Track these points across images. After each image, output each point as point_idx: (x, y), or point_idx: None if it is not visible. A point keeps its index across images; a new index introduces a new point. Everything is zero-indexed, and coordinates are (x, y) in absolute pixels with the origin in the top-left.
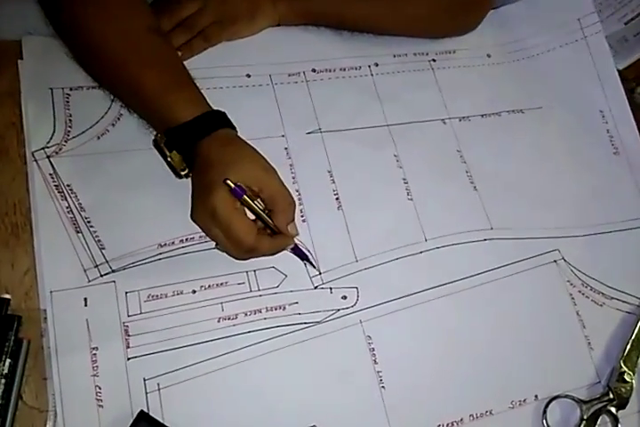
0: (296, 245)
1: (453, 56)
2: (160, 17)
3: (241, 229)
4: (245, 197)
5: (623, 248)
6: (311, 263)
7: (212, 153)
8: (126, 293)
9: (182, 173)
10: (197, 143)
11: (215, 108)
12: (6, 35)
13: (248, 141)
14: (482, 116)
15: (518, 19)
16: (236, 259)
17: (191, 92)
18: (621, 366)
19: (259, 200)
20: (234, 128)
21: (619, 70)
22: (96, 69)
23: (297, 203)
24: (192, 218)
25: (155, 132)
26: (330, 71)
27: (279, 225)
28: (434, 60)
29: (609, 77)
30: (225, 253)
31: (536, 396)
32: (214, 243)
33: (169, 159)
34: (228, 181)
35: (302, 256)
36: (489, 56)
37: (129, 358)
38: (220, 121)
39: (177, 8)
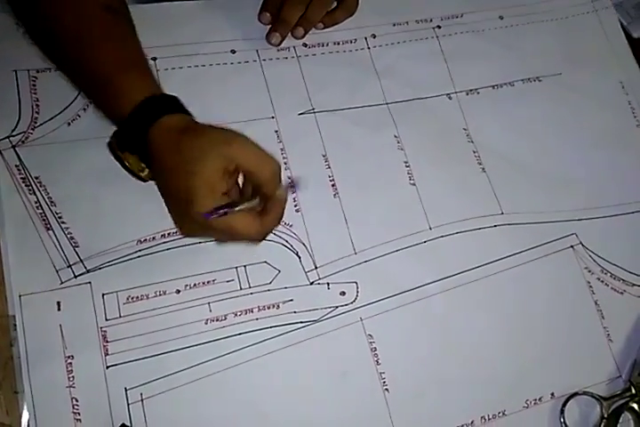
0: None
1: (460, 20)
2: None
3: (245, 227)
4: (237, 208)
5: None
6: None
7: (168, 150)
8: (103, 295)
9: (142, 175)
10: (149, 138)
11: (197, 88)
12: None
13: (235, 125)
14: (492, 87)
15: None
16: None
17: (139, 78)
18: None
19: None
20: (189, 114)
21: (635, 39)
22: (47, 47)
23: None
24: (183, 234)
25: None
26: (322, 45)
27: (270, 196)
28: (438, 27)
29: (623, 52)
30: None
31: (552, 394)
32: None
33: (125, 163)
34: (213, 216)
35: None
36: (501, 18)
37: (108, 367)
38: (169, 106)
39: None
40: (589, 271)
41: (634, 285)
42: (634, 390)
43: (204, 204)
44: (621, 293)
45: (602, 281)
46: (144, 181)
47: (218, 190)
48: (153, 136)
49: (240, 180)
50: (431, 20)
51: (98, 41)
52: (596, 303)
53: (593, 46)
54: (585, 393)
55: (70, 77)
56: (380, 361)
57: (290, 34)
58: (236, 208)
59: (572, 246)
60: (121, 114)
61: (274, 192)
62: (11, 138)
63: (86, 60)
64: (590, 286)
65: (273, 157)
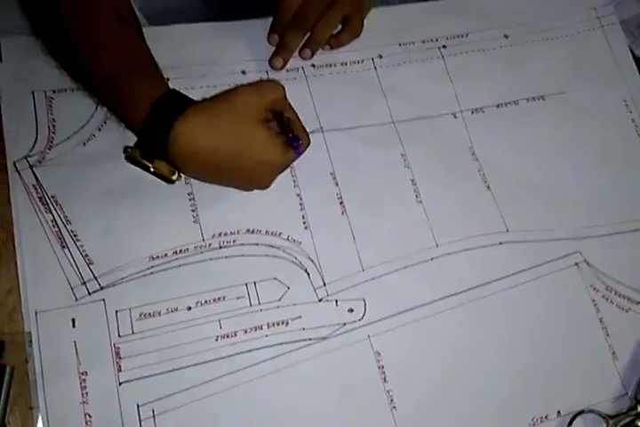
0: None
1: (466, 40)
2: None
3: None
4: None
5: None
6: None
7: (202, 138)
8: (116, 311)
9: (173, 178)
10: (176, 133)
11: None
12: None
13: None
14: (497, 106)
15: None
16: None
17: (147, 77)
18: None
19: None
20: (192, 100)
21: (638, 57)
22: (60, 54)
23: (299, 208)
24: (266, 186)
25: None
26: (330, 66)
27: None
28: (444, 47)
29: (628, 69)
30: None
31: (559, 412)
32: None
33: (152, 170)
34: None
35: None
36: (506, 37)
37: (121, 383)
38: (175, 103)
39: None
40: (594, 289)
41: (639, 302)
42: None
43: (279, 143)
44: (626, 310)
45: (606, 299)
46: (172, 182)
47: (277, 138)
48: (182, 127)
49: None
50: (437, 40)
51: (106, 47)
52: (600, 321)
53: (597, 64)
54: (591, 411)
55: (85, 87)
56: (387, 379)
57: (298, 55)
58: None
59: (576, 264)
60: (136, 120)
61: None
62: (28, 158)
63: (94, 66)
64: (595, 304)
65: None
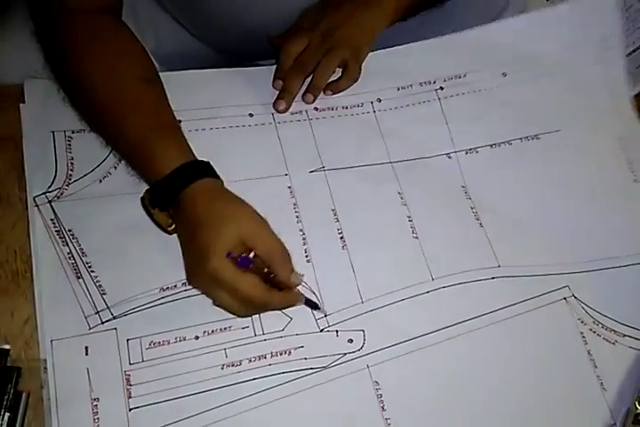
0: (307, 298)
1: (463, 80)
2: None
3: (250, 287)
4: (252, 266)
5: (635, 283)
6: (321, 309)
7: (198, 208)
8: (128, 340)
9: (169, 229)
10: (181, 197)
11: (218, 148)
12: (8, 78)
13: (252, 181)
14: (491, 146)
15: (539, 30)
16: (240, 316)
17: (173, 143)
18: (637, 407)
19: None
20: (218, 178)
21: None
22: (86, 114)
23: (301, 242)
24: (190, 283)
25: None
26: (332, 109)
27: (282, 279)
28: (441, 89)
29: (624, 108)
30: (224, 310)
31: None
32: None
33: (155, 218)
34: (233, 256)
35: (312, 305)
36: (504, 75)
37: (130, 409)
38: (201, 171)
39: (286, 44)
40: (582, 322)
41: (625, 335)
42: None
43: (220, 254)
44: (613, 343)
45: (594, 332)
46: (169, 233)
47: (234, 250)
48: (185, 198)
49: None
50: (434, 82)
51: (133, 109)
52: (589, 353)
53: (594, 101)
54: None
55: (106, 140)
56: (385, 407)
57: (302, 99)
58: (251, 265)
59: (564, 298)
60: (155, 177)
61: (286, 278)
62: (47, 193)
63: (121, 127)
64: (583, 337)
65: (283, 244)
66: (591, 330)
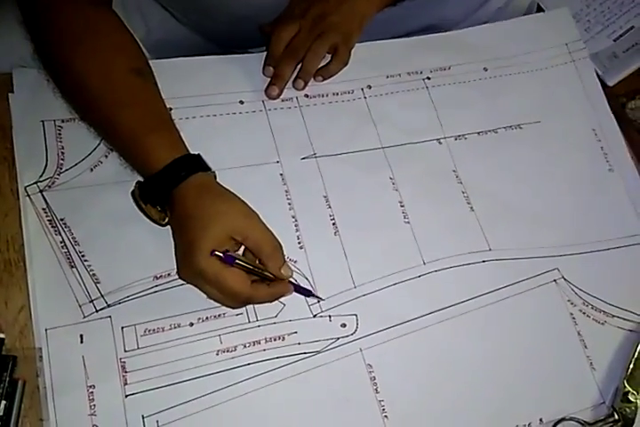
0: (296, 285)
1: (448, 72)
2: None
3: (235, 282)
4: (238, 261)
5: (622, 265)
6: (316, 296)
7: (188, 205)
8: (122, 328)
9: (163, 223)
10: (172, 193)
11: (210, 136)
12: None
13: (243, 168)
14: (478, 133)
15: (514, 35)
16: (232, 308)
17: (164, 136)
18: (625, 386)
19: (247, 253)
20: (210, 170)
21: (609, 86)
22: (78, 107)
23: (294, 229)
24: (180, 276)
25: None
26: (323, 96)
27: (272, 271)
28: (428, 78)
29: (597, 100)
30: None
31: (541, 420)
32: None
33: (147, 212)
34: (217, 252)
35: (306, 293)
36: (485, 70)
37: (127, 396)
38: (193, 166)
39: (277, 30)
40: (572, 304)
41: (614, 316)
42: (617, 416)
43: (206, 251)
44: (602, 323)
45: (584, 313)
46: (162, 226)
47: (220, 246)
48: (177, 192)
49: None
50: (421, 72)
51: (125, 103)
52: (578, 334)
53: (569, 95)
54: (572, 419)
55: (97, 132)
56: (378, 389)
57: (292, 86)
58: (237, 260)
59: (554, 280)
60: (148, 171)
61: (276, 270)
62: (39, 183)
63: (113, 121)
64: (573, 318)
65: (274, 237)
66: (581, 311)
